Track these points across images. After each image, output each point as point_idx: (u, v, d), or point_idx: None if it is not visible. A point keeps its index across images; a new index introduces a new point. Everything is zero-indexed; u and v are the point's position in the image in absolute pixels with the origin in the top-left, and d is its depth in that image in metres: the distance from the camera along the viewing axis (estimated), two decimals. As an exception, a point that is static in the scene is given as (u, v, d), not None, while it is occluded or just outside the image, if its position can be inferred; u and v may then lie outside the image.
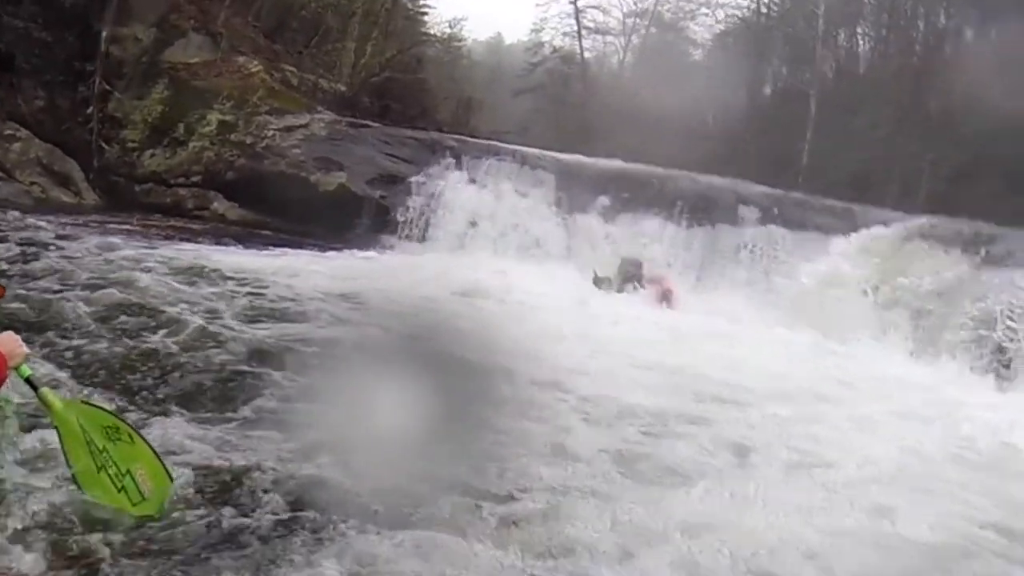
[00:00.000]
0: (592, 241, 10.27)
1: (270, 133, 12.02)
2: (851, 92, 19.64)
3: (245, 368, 4.49)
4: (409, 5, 20.57)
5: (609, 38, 30.53)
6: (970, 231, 9.67)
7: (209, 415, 3.77)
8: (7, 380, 2.65)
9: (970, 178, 18.61)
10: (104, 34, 11.92)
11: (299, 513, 2.87)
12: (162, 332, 4.88)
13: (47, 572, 2.38)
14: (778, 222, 10.34)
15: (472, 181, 11.20)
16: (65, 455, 2.77)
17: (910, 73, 19.91)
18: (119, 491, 2.72)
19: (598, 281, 9.42)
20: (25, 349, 2.72)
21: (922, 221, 10.14)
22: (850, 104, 18.39)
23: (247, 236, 10.11)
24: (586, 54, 28.93)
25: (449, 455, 3.56)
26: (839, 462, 4.28)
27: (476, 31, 63.81)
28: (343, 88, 15.96)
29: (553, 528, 3.01)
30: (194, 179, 11.81)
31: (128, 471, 2.73)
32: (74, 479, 2.74)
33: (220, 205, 11.61)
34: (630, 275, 9.39)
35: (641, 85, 23.36)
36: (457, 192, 10.98)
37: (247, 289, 6.61)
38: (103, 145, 11.93)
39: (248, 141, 11.95)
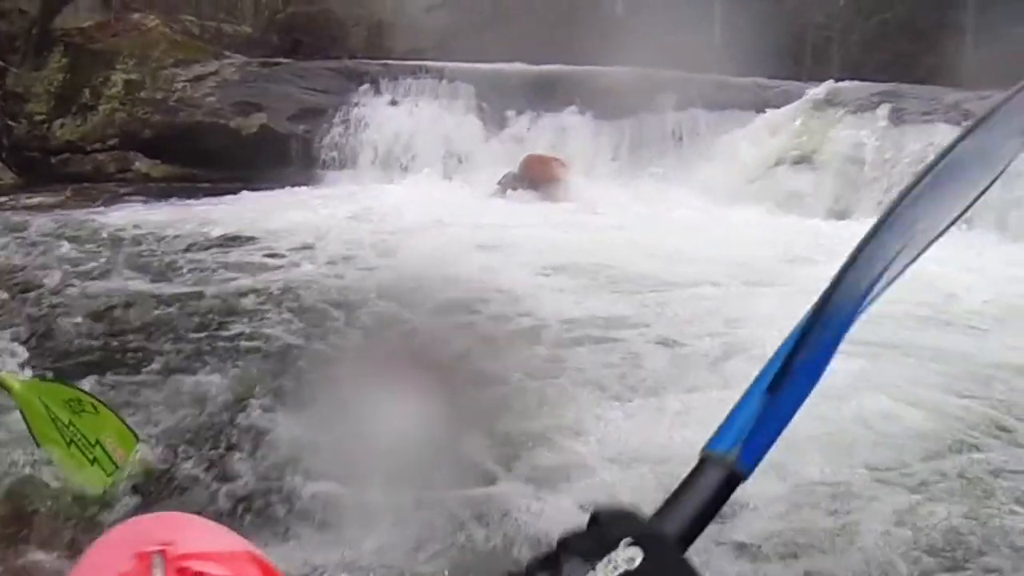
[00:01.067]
0: (516, 146, 10.35)
1: (180, 85, 11.74)
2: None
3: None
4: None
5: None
6: (879, 92, 9.92)
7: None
8: None
9: (879, 43, 19.07)
10: (-13, 11, 11.38)
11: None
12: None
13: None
14: (697, 105, 10.53)
15: (392, 103, 11.15)
16: (33, 436, 2.75)
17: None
18: (92, 463, 2.72)
19: (502, 186, 9.47)
20: None
21: (834, 86, 10.38)
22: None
23: (178, 191, 9.97)
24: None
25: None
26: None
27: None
28: (249, 29, 15.52)
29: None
30: (111, 142, 11.53)
31: (97, 441, 2.74)
32: (48, 462, 2.73)
33: (142, 164, 11.39)
34: (523, 176, 9.45)
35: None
36: (378, 115, 10.95)
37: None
38: (9, 123, 11.54)
39: (159, 96, 11.67)
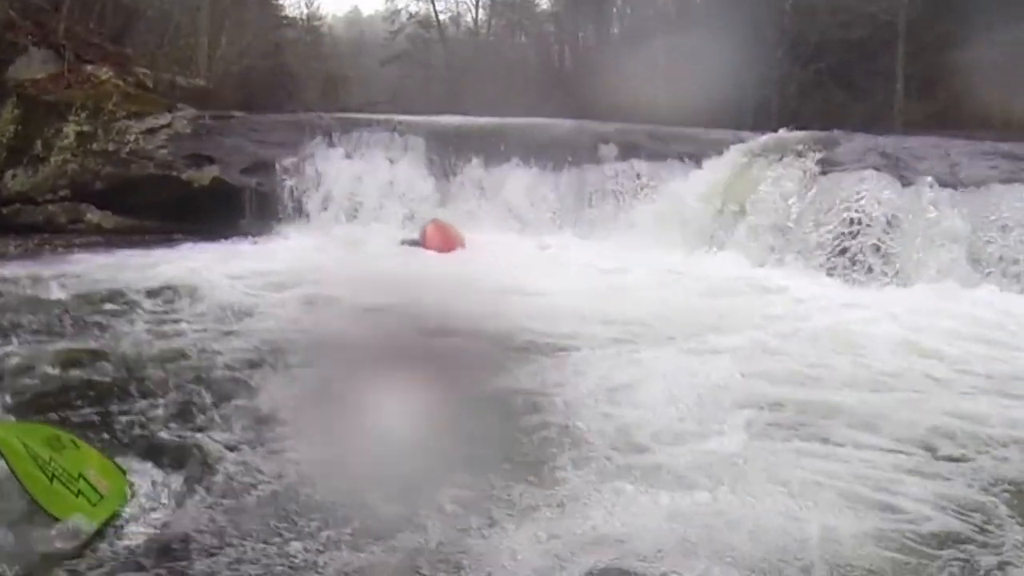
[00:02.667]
0: (465, 198, 10.68)
1: (132, 137, 11.82)
2: (692, 25, 20.48)
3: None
4: (259, -10, 20.18)
5: (460, -3, 30.65)
6: (812, 140, 10.30)
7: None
8: None
9: (814, 92, 19.89)
10: (-61, 63, 11.40)
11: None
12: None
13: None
14: (640, 155, 10.93)
15: (346, 156, 11.39)
16: (16, 477, 2.69)
17: (748, 3, 20.95)
18: (76, 495, 2.72)
19: (405, 242, 9.77)
20: None
21: (772, 136, 10.83)
22: (693, 36, 19.18)
23: (126, 242, 10.01)
24: (441, 16, 29.05)
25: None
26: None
27: (334, 6, 62.59)
28: (202, 83, 15.69)
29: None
30: (62, 193, 11.53)
31: (80, 474, 2.75)
32: (32, 501, 2.69)
33: (94, 216, 11.40)
34: (421, 240, 9.71)
35: (496, 40, 23.64)
36: (331, 167, 11.19)
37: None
38: (-39, 173, 11.46)
39: (111, 148, 11.73)
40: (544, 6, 28.51)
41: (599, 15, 22.17)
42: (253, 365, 4.85)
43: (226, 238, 9.91)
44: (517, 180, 10.84)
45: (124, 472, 2.94)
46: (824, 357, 5.28)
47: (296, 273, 7.70)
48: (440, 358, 5.08)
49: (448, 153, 11.25)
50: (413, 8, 29.61)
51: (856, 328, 6.06)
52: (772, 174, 9.77)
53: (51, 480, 2.70)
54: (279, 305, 6.51)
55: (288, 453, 3.53)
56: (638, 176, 10.64)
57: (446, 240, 9.56)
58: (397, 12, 29.97)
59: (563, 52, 22.20)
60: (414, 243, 9.66)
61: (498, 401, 4.28)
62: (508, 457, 3.54)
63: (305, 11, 23.82)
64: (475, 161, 11.12)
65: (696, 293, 7.39)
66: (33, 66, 12.50)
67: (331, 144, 11.56)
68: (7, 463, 2.70)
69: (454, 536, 2.85)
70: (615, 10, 23.93)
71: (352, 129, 11.82)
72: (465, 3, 30.98)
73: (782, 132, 11.03)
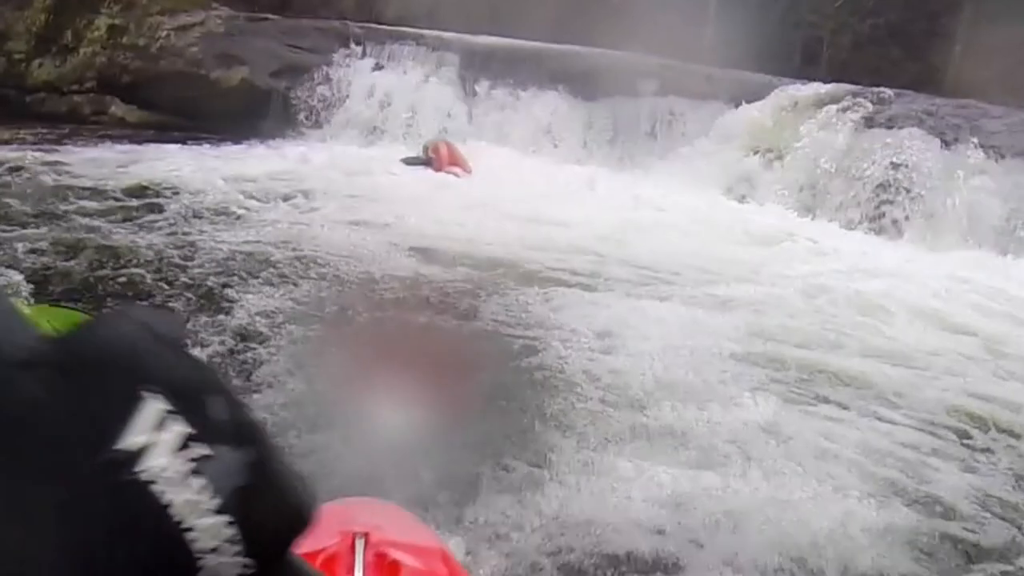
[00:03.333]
0: (493, 120, 10.36)
1: (164, 33, 11.62)
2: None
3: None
4: None
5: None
6: (858, 94, 9.98)
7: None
8: None
9: (869, 47, 19.13)
10: (-26, -52, 11.20)
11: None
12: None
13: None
14: (679, 92, 10.55)
15: (377, 67, 11.10)
16: None
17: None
18: None
19: (408, 160, 9.34)
20: None
21: (817, 87, 10.41)
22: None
23: (149, 137, 9.92)
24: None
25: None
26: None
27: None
28: (240, -18, 15.30)
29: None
30: (88, 85, 11.44)
31: None
32: None
33: (118, 109, 11.30)
34: (427, 153, 9.33)
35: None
36: (361, 78, 10.92)
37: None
38: (-13, 60, 11.40)
39: (141, 43, 11.56)
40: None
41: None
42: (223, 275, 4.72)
43: (246, 140, 9.73)
44: (548, 105, 10.48)
45: None
46: (846, 321, 4.97)
47: (296, 181, 7.51)
48: (425, 285, 4.86)
49: (481, 73, 10.91)
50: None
51: (883, 292, 5.70)
52: (814, 124, 9.47)
53: None
54: (258, 212, 6.32)
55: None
56: (675, 113, 10.29)
57: (453, 161, 9.15)
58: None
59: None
60: (416, 161, 9.24)
61: (490, 337, 4.07)
62: (500, 408, 3.31)
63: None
64: (507, 83, 10.77)
65: (719, 239, 7.09)
66: (70, -45, 12.23)
67: (363, 54, 11.27)
68: None
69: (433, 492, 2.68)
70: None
71: (385, 40, 11.51)
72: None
73: (827, 84, 10.55)
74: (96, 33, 11.68)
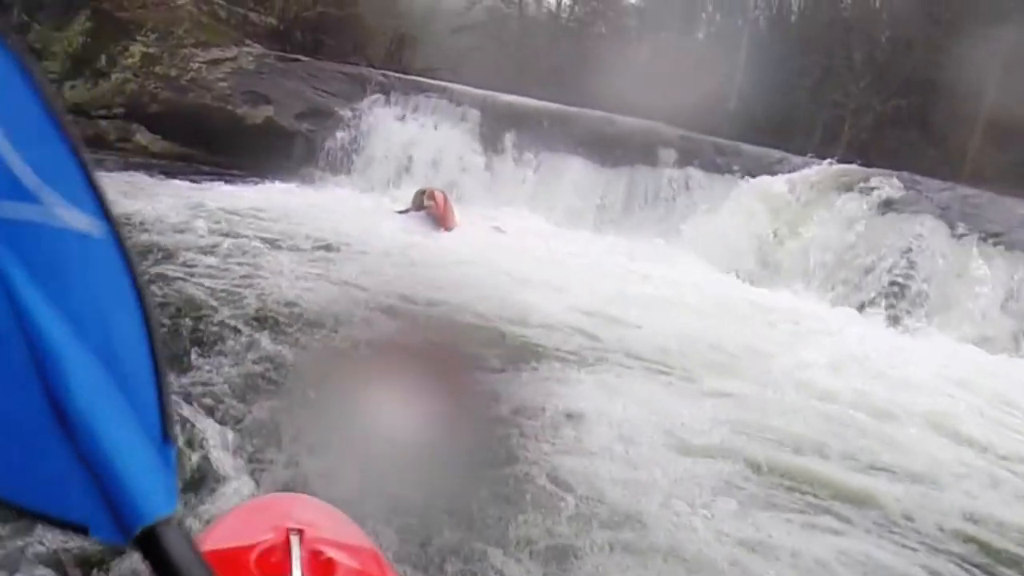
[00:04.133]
0: (511, 181, 10.50)
1: (196, 66, 11.90)
2: (782, 40, 20.04)
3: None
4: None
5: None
6: (879, 179, 9.99)
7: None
8: None
9: (889, 128, 19.33)
10: (18, -34, 11.55)
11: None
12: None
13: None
14: (695, 164, 10.66)
15: (400, 117, 11.30)
16: None
17: (840, 24, 20.39)
18: None
19: (402, 211, 9.30)
20: None
21: (836, 167, 10.49)
22: (780, 52, 18.79)
23: (173, 169, 10.10)
24: (525, -6, 28.68)
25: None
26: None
27: (419, -33, 62.36)
28: (274, 21, 15.69)
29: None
30: (116, 111, 11.66)
31: None
32: None
33: (143, 137, 11.51)
34: (417, 203, 9.24)
35: (576, 26, 23.32)
36: (383, 127, 11.12)
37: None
38: (21, 77, 11.63)
39: (173, 74, 11.82)
40: (631, 0, 28.12)
41: (686, 16, 21.69)
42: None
43: (266, 179, 9.88)
44: (567, 168, 10.62)
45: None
46: (841, 422, 4.51)
47: (306, 224, 7.62)
48: (406, 346, 4.72)
49: (504, 131, 11.08)
50: (498, -19, 29.60)
51: (889, 386, 5.38)
52: (831, 206, 9.52)
53: None
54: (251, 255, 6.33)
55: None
56: (692, 186, 10.39)
57: (449, 215, 8.99)
58: (481, -18, 30.08)
59: (641, 50, 21.86)
60: (413, 207, 9.13)
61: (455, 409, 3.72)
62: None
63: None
64: (528, 142, 10.95)
65: (723, 316, 6.93)
66: (112, -19, 12.58)
67: (388, 103, 11.49)
68: None
69: None
70: (704, 14, 23.40)
71: (411, 91, 11.73)
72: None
73: (848, 166, 10.64)
74: (130, 60, 11.95)
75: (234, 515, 1.07)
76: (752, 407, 4.47)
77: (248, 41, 12.91)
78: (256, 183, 9.81)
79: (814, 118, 19.57)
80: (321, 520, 1.06)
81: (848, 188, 9.76)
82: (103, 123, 11.55)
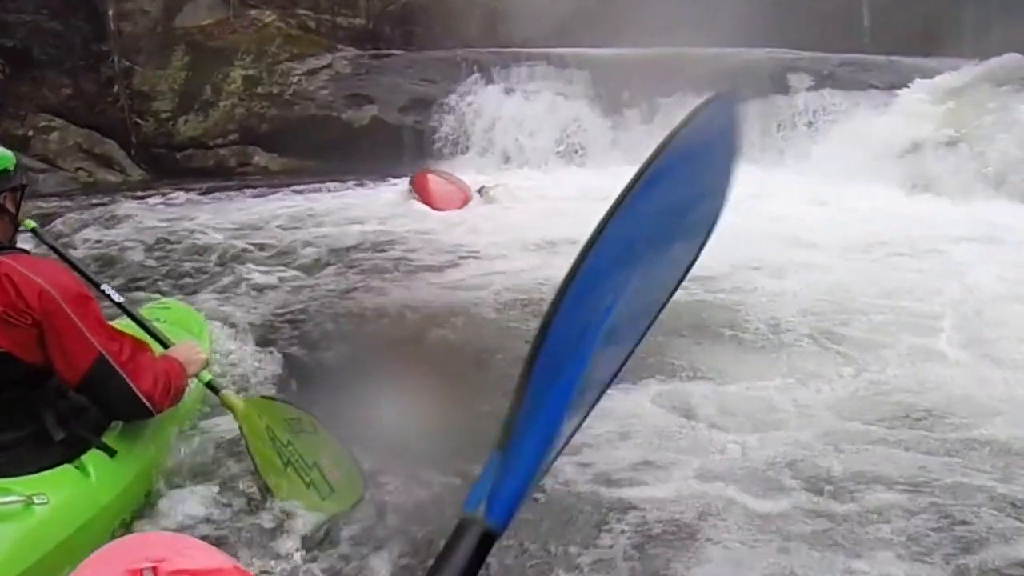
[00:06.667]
0: (633, 135, 10.35)
1: (295, 79, 12.46)
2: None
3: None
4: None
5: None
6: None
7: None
8: (188, 388, 2.76)
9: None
10: (111, 13, 12.36)
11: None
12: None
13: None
14: (832, 85, 10.21)
15: (505, 91, 11.39)
16: (251, 456, 2.78)
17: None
18: (308, 487, 2.71)
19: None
20: (204, 356, 2.89)
21: (991, 64, 9.77)
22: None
23: (287, 184, 10.56)
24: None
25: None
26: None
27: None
28: (362, 21, 16.13)
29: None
30: (231, 137, 12.38)
31: (315, 463, 2.74)
32: (261, 478, 2.74)
33: (261, 158, 12.18)
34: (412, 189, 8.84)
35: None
36: (490, 105, 11.27)
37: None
38: (137, 120, 12.54)
39: (275, 91, 12.44)
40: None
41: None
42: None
43: (383, 179, 10.13)
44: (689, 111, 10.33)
45: (360, 470, 2.78)
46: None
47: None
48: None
49: (614, 87, 10.95)
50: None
51: None
52: (998, 104, 8.84)
53: (285, 467, 2.73)
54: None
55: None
56: (827, 109, 9.95)
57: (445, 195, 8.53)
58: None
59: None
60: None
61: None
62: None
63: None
64: (643, 93, 10.75)
65: (879, 251, 6.17)
66: (200, 13, 13.35)
67: (489, 79, 11.60)
68: (246, 442, 2.79)
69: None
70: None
71: (511, 64, 11.79)
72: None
73: (1004, 57, 9.85)
74: (233, 86, 12.63)
75: (89, 565, 1.09)
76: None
77: (340, 46, 13.36)
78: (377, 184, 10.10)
79: (958, 18, 18.23)
80: (178, 553, 1.06)
81: (1015, 81, 9.08)
82: (222, 151, 12.30)
